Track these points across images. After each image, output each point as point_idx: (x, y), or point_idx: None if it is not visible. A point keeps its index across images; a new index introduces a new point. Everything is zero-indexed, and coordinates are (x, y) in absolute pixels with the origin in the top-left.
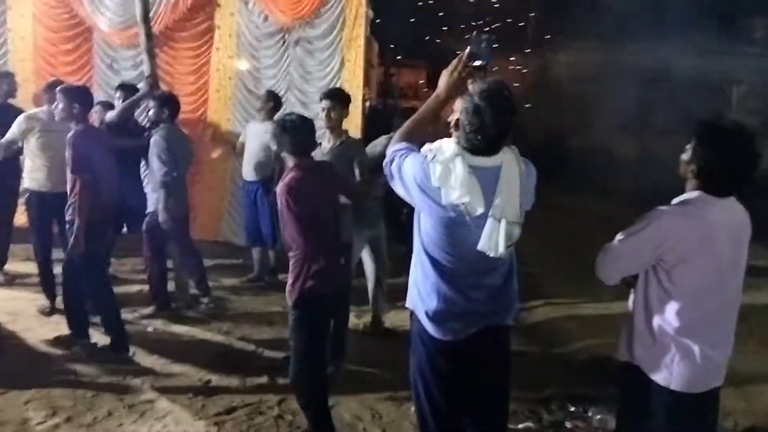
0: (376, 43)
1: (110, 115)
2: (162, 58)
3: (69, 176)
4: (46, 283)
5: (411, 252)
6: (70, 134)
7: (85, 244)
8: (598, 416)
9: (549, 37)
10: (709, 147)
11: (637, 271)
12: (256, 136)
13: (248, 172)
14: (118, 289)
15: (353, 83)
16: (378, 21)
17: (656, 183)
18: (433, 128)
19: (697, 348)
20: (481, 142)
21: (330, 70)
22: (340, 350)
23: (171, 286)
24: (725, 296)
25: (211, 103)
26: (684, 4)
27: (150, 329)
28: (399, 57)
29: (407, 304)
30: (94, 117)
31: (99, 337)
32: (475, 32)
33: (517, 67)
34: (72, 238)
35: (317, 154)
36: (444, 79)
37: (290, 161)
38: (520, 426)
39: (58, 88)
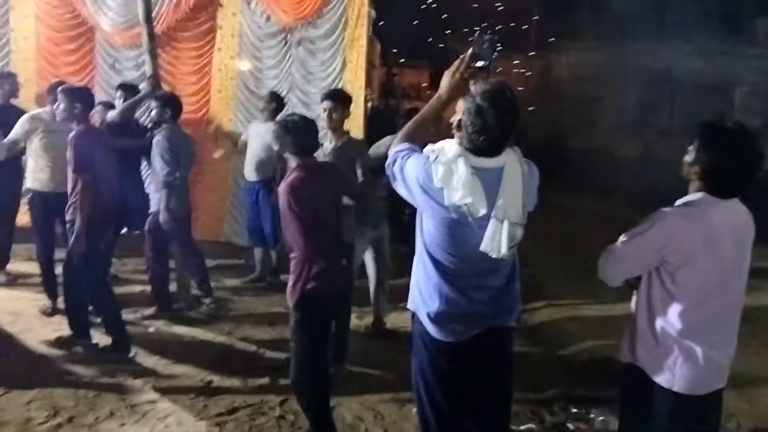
0: (378, 44)
1: (111, 114)
2: (164, 58)
3: (70, 176)
4: (48, 284)
5: (413, 253)
6: (71, 134)
7: (86, 244)
8: (601, 418)
9: (552, 38)
10: (712, 148)
11: (640, 272)
12: (258, 137)
13: (250, 172)
14: (119, 290)
15: (355, 84)
16: (380, 21)
17: (659, 184)
18: (436, 129)
19: (700, 350)
20: (483, 143)
21: (332, 70)
22: (341, 351)
23: (173, 286)
24: (728, 298)
25: (213, 104)
26: (686, 6)
27: (152, 330)
28: (401, 58)
29: (409, 305)
30: (96, 117)
31: (100, 338)
32: (477, 33)
33: (521, 70)
34: (72, 237)
35: (319, 155)
36: (446, 80)
37: (293, 162)
38: (522, 427)
39: (60, 88)
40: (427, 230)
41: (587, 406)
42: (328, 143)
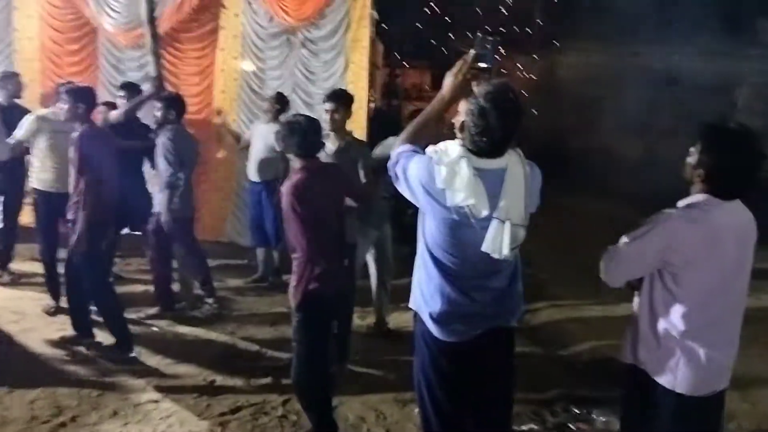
0: (381, 45)
1: (115, 114)
2: (167, 59)
3: (72, 175)
4: (51, 283)
5: (414, 253)
6: (75, 134)
7: (87, 243)
8: (602, 418)
9: (554, 40)
10: (714, 150)
11: (642, 274)
12: (261, 137)
13: (252, 173)
14: (122, 289)
15: (358, 85)
16: (383, 22)
17: (660, 185)
18: (438, 130)
19: (702, 351)
20: (486, 144)
21: (334, 71)
22: (343, 351)
23: (176, 286)
24: (731, 299)
25: (216, 104)
26: (687, 6)
27: (154, 329)
28: (404, 59)
29: (411, 306)
30: (99, 117)
31: (104, 337)
32: (480, 34)
33: (524, 73)
34: (74, 236)
35: (321, 156)
36: (449, 81)
37: (297, 163)
38: (524, 428)
39: (63, 88)
40: (429, 231)
41: (589, 407)
42: (330, 144)
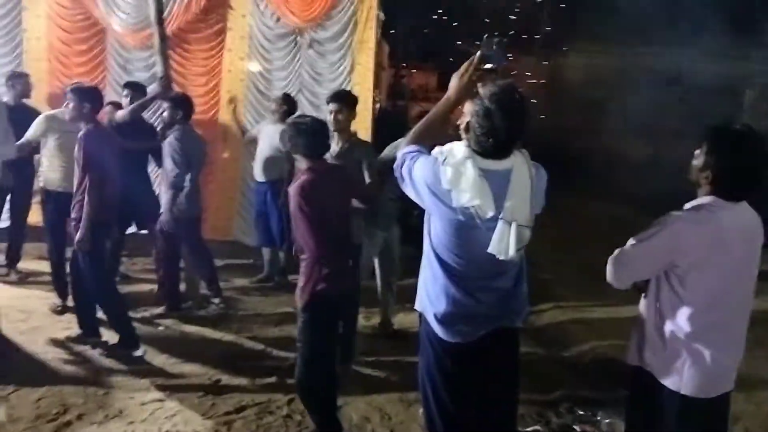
0: (387, 46)
1: (120, 114)
2: (174, 59)
3: (77, 174)
4: (58, 282)
5: (420, 254)
6: (80, 133)
7: (91, 242)
8: (607, 420)
9: (561, 41)
10: (721, 152)
11: (649, 276)
12: (268, 137)
13: (258, 173)
14: (129, 288)
15: (364, 85)
16: (389, 23)
17: (667, 186)
18: (443, 131)
19: (708, 353)
20: (491, 145)
21: (341, 72)
22: (348, 351)
23: (182, 285)
24: (737, 301)
25: (223, 104)
26: (694, 8)
27: (161, 329)
28: (410, 60)
29: (416, 306)
30: (104, 117)
31: (110, 336)
32: (486, 35)
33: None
34: (78, 235)
35: (326, 157)
36: (455, 82)
37: (304, 164)
38: (529, 429)
39: (69, 87)
40: (434, 231)
41: (594, 408)
42: (333, 145)
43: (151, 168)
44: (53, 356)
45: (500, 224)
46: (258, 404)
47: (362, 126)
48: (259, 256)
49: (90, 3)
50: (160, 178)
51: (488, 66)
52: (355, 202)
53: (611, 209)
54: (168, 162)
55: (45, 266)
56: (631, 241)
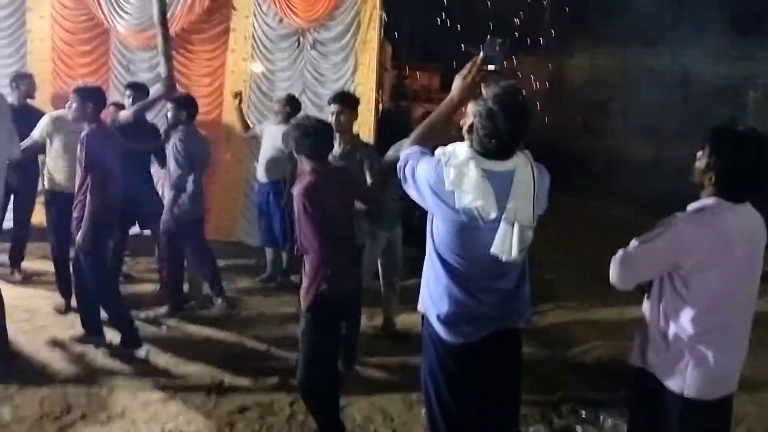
0: (390, 46)
1: (123, 114)
2: (177, 60)
3: (79, 174)
4: (62, 282)
5: (422, 254)
6: (83, 133)
7: (92, 242)
8: (610, 421)
9: (564, 42)
10: (724, 153)
11: (652, 277)
12: (271, 138)
13: (261, 173)
14: (132, 288)
15: (367, 86)
16: (392, 24)
17: (670, 187)
18: (446, 131)
19: (711, 354)
20: (494, 146)
21: (344, 72)
22: (351, 352)
23: (185, 286)
24: (740, 303)
25: (226, 105)
26: (698, 9)
27: (164, 329)
28: (413, 61)
29: (419, 307)
30: (107, 117)
31: (113, 335)
32: (489, 36)
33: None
34: (79, 235)
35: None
36: (457, 83)
37: (307, 165)
38: (531, 430)
39: (73, 88)
40: (437, 232)
41: (596, 409)
42: (336, 146)
43: (154, 169)
44: (57, 356)
45: (503, 225)
46: (261, 405)
47: (365, 127)
48: (262, 256)
49: (93, 4)
50: (163, 178)
51: (491, 67)
52: (357, 204)
53: (615, 210)
54: (171, 163)
55: (49, 266)
56: (634, 243)
